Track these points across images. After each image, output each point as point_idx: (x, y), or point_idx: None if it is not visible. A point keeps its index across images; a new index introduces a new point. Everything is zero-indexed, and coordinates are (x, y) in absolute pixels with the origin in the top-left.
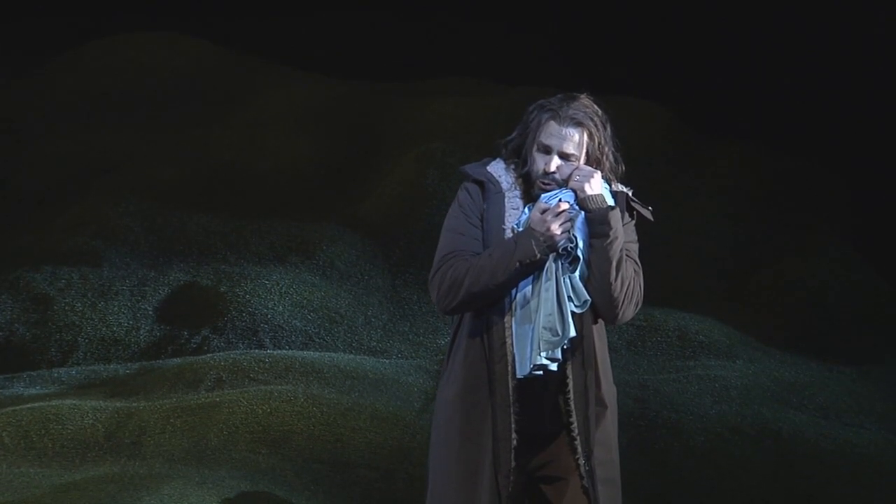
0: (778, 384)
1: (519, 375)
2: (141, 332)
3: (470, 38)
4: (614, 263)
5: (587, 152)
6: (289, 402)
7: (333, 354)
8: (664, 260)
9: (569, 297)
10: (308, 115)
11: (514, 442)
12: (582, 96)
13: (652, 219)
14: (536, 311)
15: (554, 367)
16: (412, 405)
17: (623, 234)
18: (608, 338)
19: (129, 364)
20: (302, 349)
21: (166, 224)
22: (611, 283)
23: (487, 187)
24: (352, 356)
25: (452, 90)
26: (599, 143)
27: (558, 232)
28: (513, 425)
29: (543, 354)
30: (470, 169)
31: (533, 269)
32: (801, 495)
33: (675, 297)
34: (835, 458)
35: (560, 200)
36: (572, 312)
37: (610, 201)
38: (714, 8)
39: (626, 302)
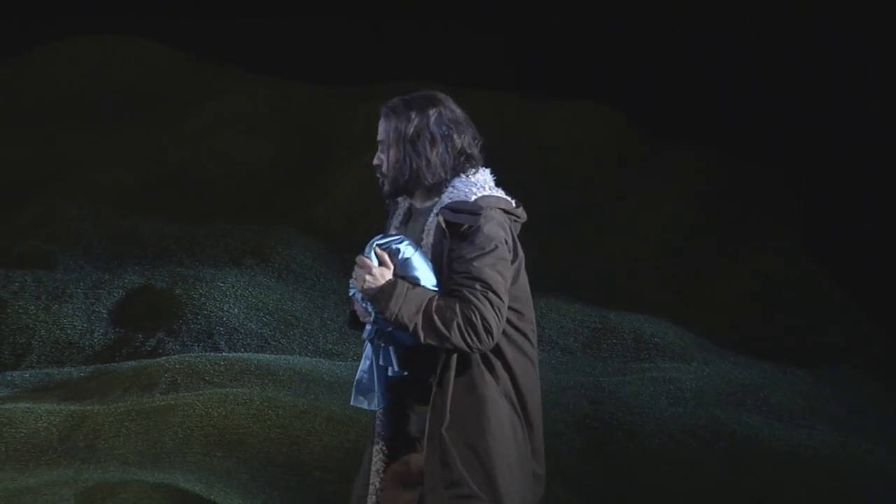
0: (732, 386)
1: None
2: (95, 335)
3: (424, 42)
4: (411, 327)
5: (390, 137)
6: (244, 404)
7: (289, 357)
8: (618, 263)
9: (382, 364)
10: (262, 118)
11: (378, 484)
12: (429, 91)
13: (469, 224)
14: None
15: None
16: None
17: (407, 299)
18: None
19: (83, 367)
20: (257, 352)
21: (120, 227)
22: (422, 339)
23: (389, 203)
24: (307, 359)
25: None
26: (397, 128)
27: (359, 311)
28: (374, 461)
29: (365, 402)
30: None
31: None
32: (754, 496)
33: (629, 300)
34: (788, 460)
35: (352, 291)
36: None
37: (409, 252)
38: (665, 12)
39: (466, 336)
